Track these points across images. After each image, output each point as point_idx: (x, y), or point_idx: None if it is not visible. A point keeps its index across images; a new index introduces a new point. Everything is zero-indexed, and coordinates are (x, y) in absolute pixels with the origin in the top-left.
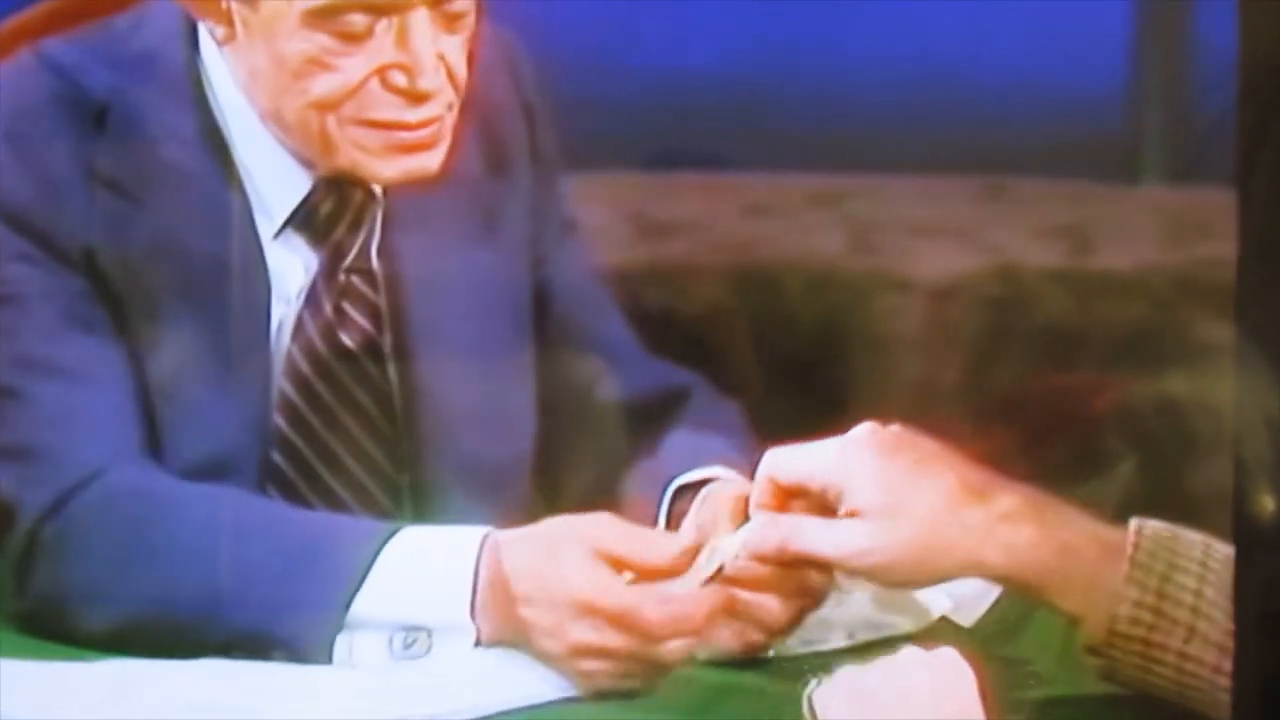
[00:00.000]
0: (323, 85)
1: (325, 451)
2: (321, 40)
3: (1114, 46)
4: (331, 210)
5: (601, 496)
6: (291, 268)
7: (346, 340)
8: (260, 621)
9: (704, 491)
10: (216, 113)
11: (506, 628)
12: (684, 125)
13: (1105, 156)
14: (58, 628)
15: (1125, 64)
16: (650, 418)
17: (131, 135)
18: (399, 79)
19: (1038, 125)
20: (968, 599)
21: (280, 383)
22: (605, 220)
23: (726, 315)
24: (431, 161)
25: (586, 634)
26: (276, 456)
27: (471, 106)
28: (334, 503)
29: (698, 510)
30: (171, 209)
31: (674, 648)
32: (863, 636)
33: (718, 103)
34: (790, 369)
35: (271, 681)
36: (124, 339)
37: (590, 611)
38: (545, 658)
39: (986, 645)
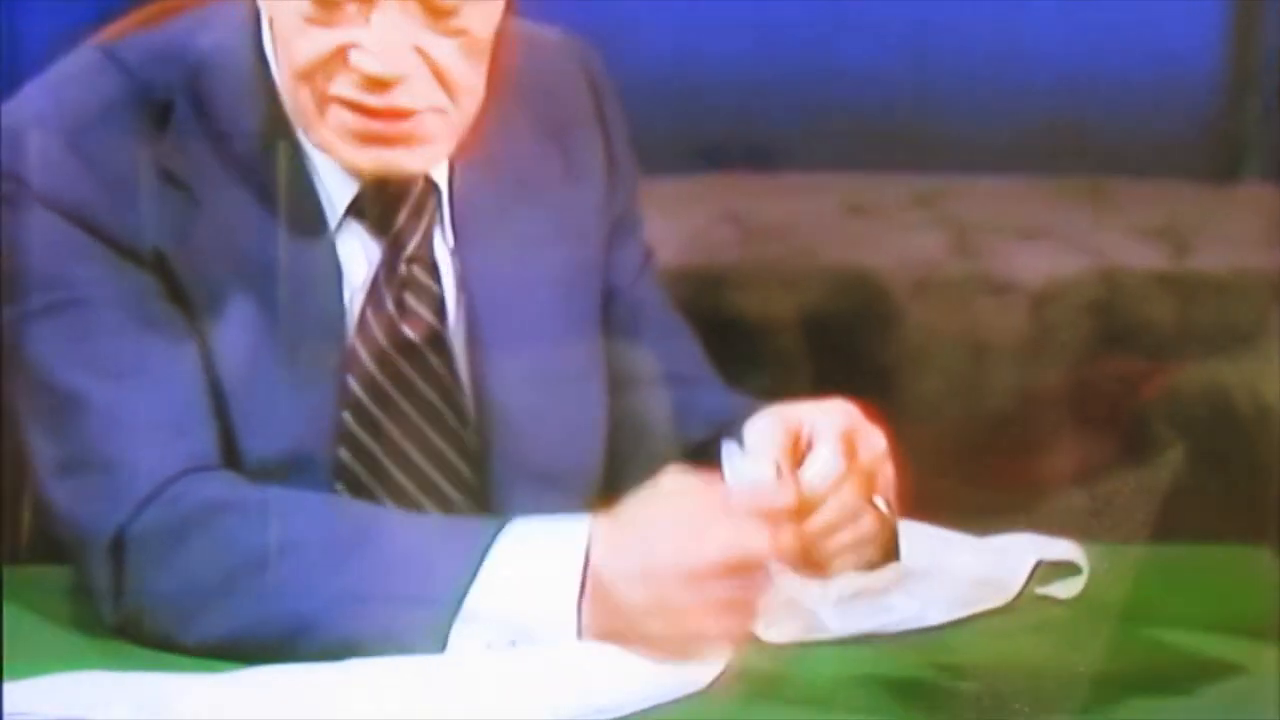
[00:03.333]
0: (299, 52)
1: (392, 447)
2: (303, 5)
3: (1209, 43)
4: (389, 200)
5: None
6: (356, 259)
7: (409, 333)
8: (372, 624)
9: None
10: (282, 105)
11: (610, 615)
12: (783, 126)
13: (1203, 155)
14: (155, 638)
15: (1221, 60)
16: (710, 444)
17: (197, 132)
18: (361, 60)
19: (1136, 124)
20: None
21: (345, 378)
22: (703, 221)
23: (825, 317)
24: (410, 161)
25: (691, 596)
26: (344, 454)
27: (548, 116)
28: (405, 501)
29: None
30: (238, 204)
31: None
32: (958, 613)
33: (817, 103)
34: (888, 370)
35: (380, 681)
36: (194, 338)
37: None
38: (652, 644)
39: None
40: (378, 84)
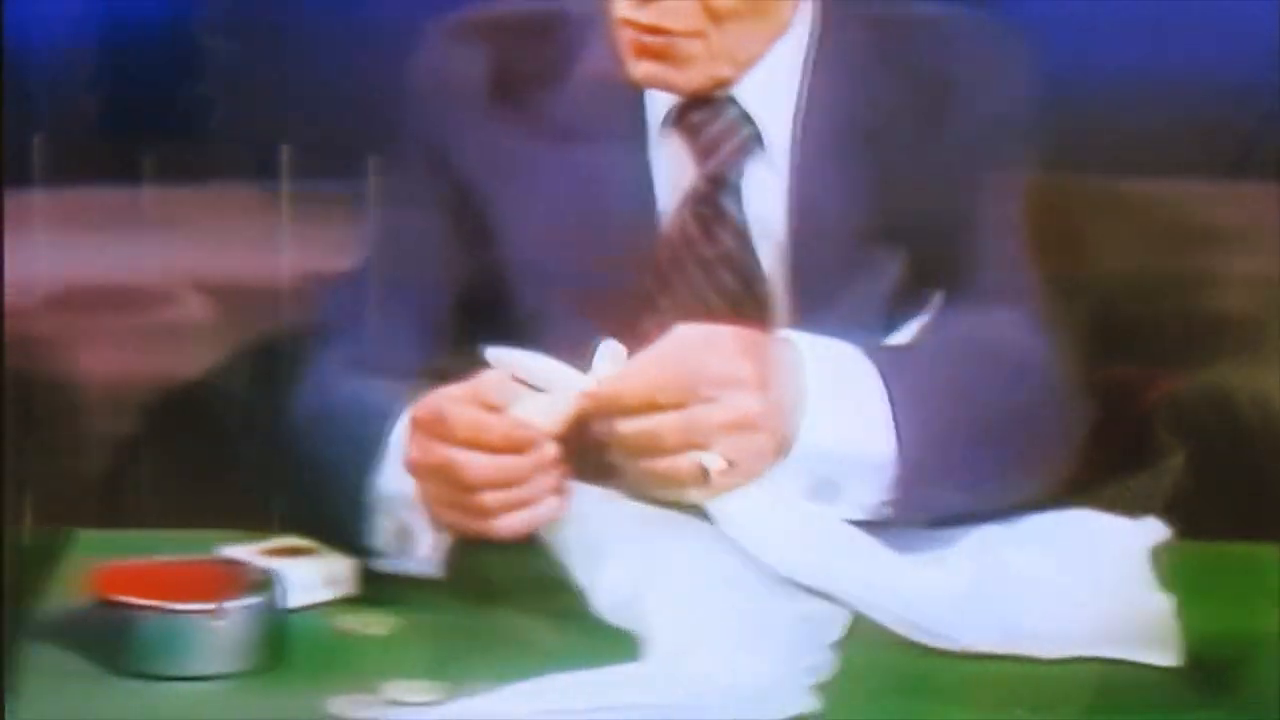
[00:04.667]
0: None
1: None
2: None
3: None
4: (703, 117)
5: None
6: (668, 172)
7: (705, 250)
8: (324, 494)
9: None
10: None
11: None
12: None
13: None
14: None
15: None
16: None
17: (553, 51)
18: None
19: None
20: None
21: (646, 280)
22: (1142, 226)
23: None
24: (673, 77)
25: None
26: None
27: (923, 76)
28: None
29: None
30: (568, 114)
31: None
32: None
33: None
34: None
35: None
36: (475, 246)
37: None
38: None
39: None
40: (642, 2)
